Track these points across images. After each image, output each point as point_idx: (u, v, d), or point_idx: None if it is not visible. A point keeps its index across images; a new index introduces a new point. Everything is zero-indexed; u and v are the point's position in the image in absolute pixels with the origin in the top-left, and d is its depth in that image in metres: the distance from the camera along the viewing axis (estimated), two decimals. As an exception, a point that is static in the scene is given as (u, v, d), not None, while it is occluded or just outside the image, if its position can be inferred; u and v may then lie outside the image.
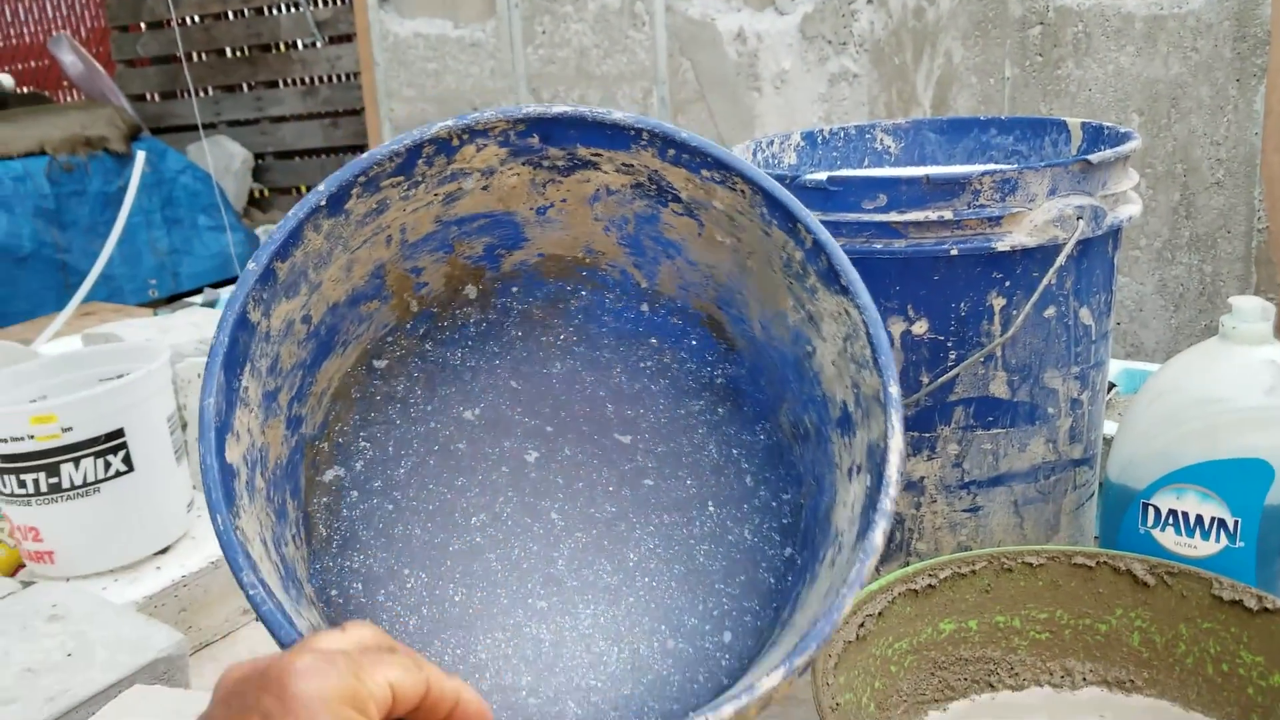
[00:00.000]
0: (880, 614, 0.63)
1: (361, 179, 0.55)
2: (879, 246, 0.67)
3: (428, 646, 0.56)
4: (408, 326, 0.64)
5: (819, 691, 0.56)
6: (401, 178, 0.57)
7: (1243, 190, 2.12)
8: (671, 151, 0.58)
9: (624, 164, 0.60)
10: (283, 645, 0.44)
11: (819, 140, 0.89)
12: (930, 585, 0.65)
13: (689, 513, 0.62)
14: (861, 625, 0.62)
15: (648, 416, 0.65)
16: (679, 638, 0.57)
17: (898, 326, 0.69)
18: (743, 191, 0.57)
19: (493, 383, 0.65)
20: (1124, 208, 0.70)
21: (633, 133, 0.58)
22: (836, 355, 0.57)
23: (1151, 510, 0.67)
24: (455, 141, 0.58)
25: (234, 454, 0.50)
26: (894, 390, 0.51)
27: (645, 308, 0.66)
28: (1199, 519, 0.66)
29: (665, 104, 2.46)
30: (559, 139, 0.60)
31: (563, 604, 0.59)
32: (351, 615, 0.56)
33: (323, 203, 0.54)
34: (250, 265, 0.52)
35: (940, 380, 0.69)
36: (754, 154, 0.84)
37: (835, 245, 0.54)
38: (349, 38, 3.36)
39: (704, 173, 0.58)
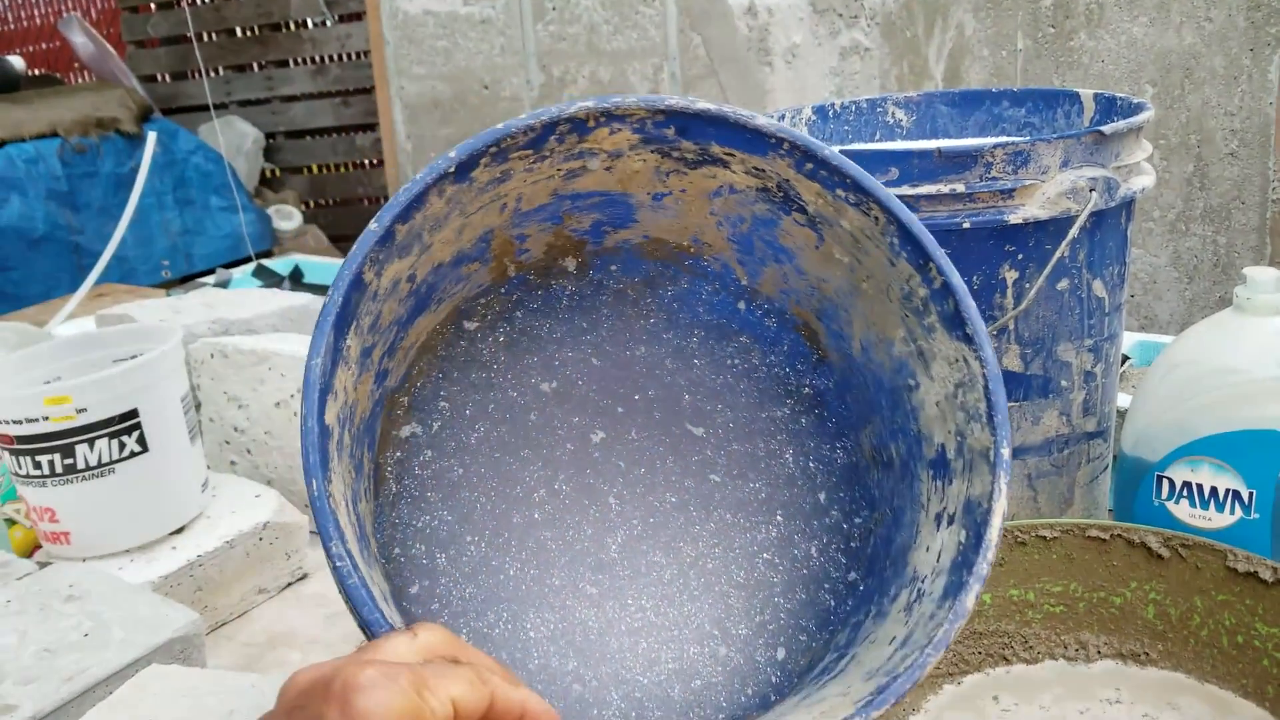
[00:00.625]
0: (893, 588, 0.63)
1: (493, 149, 0.54)
2: (890, 220, 0.67)
3: (481, 617, 0.56)
4: (501, 290, 0.63)
5: (832, 666, 0.56)
6: (530, 151, 0.57)
7: (1257, 161, 2.10)
8: (809, 166, 0.57)
9: (755, 167, 0.59)
10: (363, 623, 0.43)
11: (830, 114, 0.89)
12: (943, 559, 0.65)
13: (754, 518, 0.61)
14: (874, 600, 0.62)
15: (725, 413, 0.64)
16: (730, 645, 0.57)
17: (910, 301, 0.68)
18: (876, 218, 0.56)
19: (575, 356, 0.64)
20: (1137, 179, 0.70)
21: (773, 140, 0.56)
22: (943, 398, 0.56)
23: (1166, 482, 0.67)
24: (591, 123, 0.57)
25: (331, 415, 0.50)
26: (1006, 453, 0.50)
27: (741, 305, 0.65)
28: (1213, 491, 0.66)
29: (676, 80, 2.45)
30: (695, 134, 0.58)
31: (613, 591, 0.59)
32: (411, 576, 0.56)
33: (451, 169, 0.54)
34: (372, 226, 0.51)
35: (952, 354, 0.68)
36: (764, 128, 0.84)
37: (965, 291, 0.53)
38: (359, 16, 3.34)
39: (839, 192, 0.57)
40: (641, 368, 0.65)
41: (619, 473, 0.62)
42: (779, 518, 0.61)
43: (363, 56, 3.45)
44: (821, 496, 0.62)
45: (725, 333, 0.65)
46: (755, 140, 0.57)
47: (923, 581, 0.51)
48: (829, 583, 0.59)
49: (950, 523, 0.52)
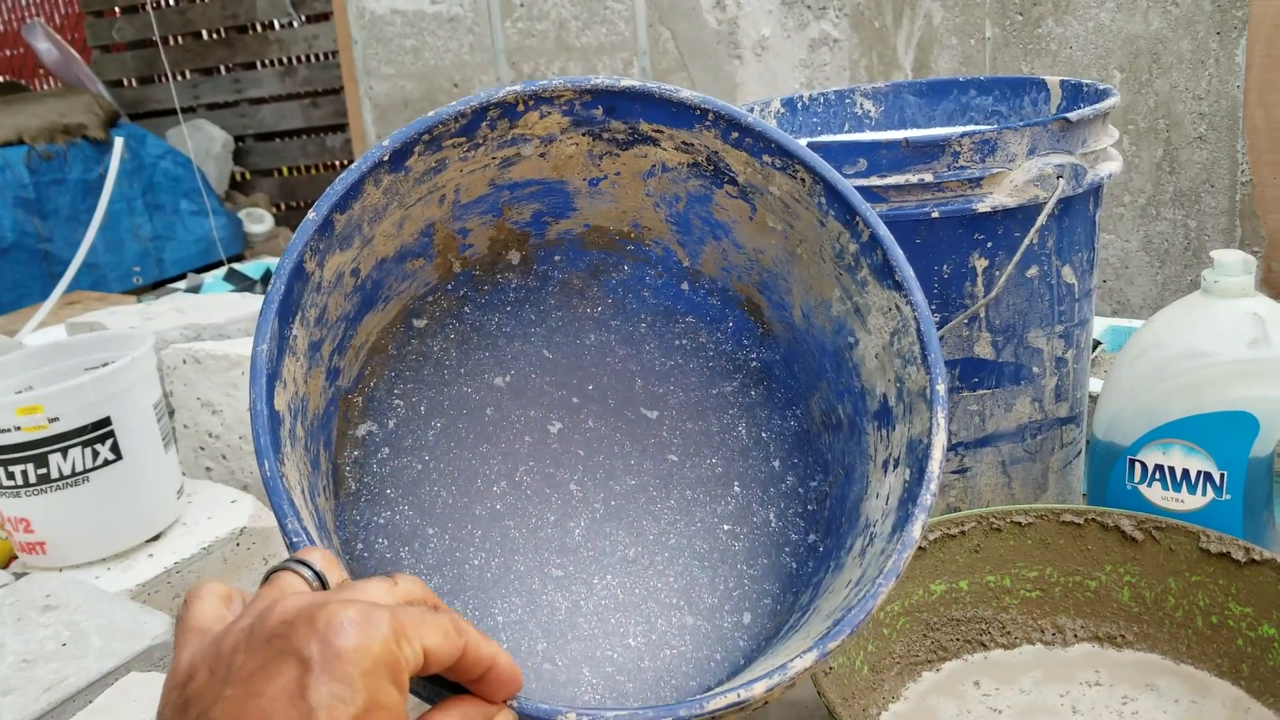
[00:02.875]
0: (871, 577, 0.64)
1: (425, 137, 0.55)
2: (861, 211, 0.67)
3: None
4: (448, 286, 0.64)
5: (812, 656, 0.56)
6: (464, 139, 0.57)
7: (1225, 144, 2.12)
8: (735, 134, 0.58)
9: (684, 143, 0.60)
10: None
11: (799, 106, 0.89)
12: (920, 547, 0.66)
13: (713, 491, 0.62)
14: (853, 589, 0.63)
15: (677, 394, 0.65)
16: (697, 615, 0.57)
17: (882, 291, 0.69)
18: (803, 180, 0.57)
19: (525, 350, 0.65)
20: (1104, 165, 0.70)
21: (698, 112, 0.58)
22: (881, 349, 0.57)
23: (1138, 466, 0.68)
24: (520, 107, 0.58)
25: (281, 401, 0.50)
26: (941, 388, 0.51)
27: (685, 286, 0.66)
28: (1185, 473, 0.66)
29: (647, 74, 2.45)
30: (623, 112, 0.59)
31: (579, 573, 0.59)
32: (375, 571, 0.56)
33: (386, 158, 0.55)
34: (310, 215, 0.52)
35: (925, 343, 0.69)
36: (734, 122, 0.84)
37: (892, 240, 0.54)
38: (326, 16, 3.32)
39: (765, 158, 0.58)
40: (592, 356, 0.66)
41: (578, 460, 0.63)
42: (736, 488, 0.62)
43: (331, 57, 3.44)
44: (776, 464, 0.63)
45: (671, 315, 0.66)
46: (681, 114, 0.59)
47: (874, 526, 0.53)
48: (789, 546, 0.60)
49: (896, 466, 0.53)
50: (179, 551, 0.79)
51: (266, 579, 0.38)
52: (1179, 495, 0.67)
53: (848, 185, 0.56)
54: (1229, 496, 0.65)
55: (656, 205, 0.64)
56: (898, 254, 0.54)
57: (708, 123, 0.59)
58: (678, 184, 0.62)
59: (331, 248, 0.55)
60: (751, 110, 0.86)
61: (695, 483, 0.62)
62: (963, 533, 0.67)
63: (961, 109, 0.89)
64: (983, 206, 0.66)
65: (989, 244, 0.68)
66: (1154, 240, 2.20)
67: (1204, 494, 0.66)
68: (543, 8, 2.47)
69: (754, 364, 0.66)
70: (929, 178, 0.65)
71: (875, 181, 0.66)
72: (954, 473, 0.73)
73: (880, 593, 0.47)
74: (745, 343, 0.66)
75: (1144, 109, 2.13)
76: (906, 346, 0.54)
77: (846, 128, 0.90)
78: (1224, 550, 0.62)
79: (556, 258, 0.66)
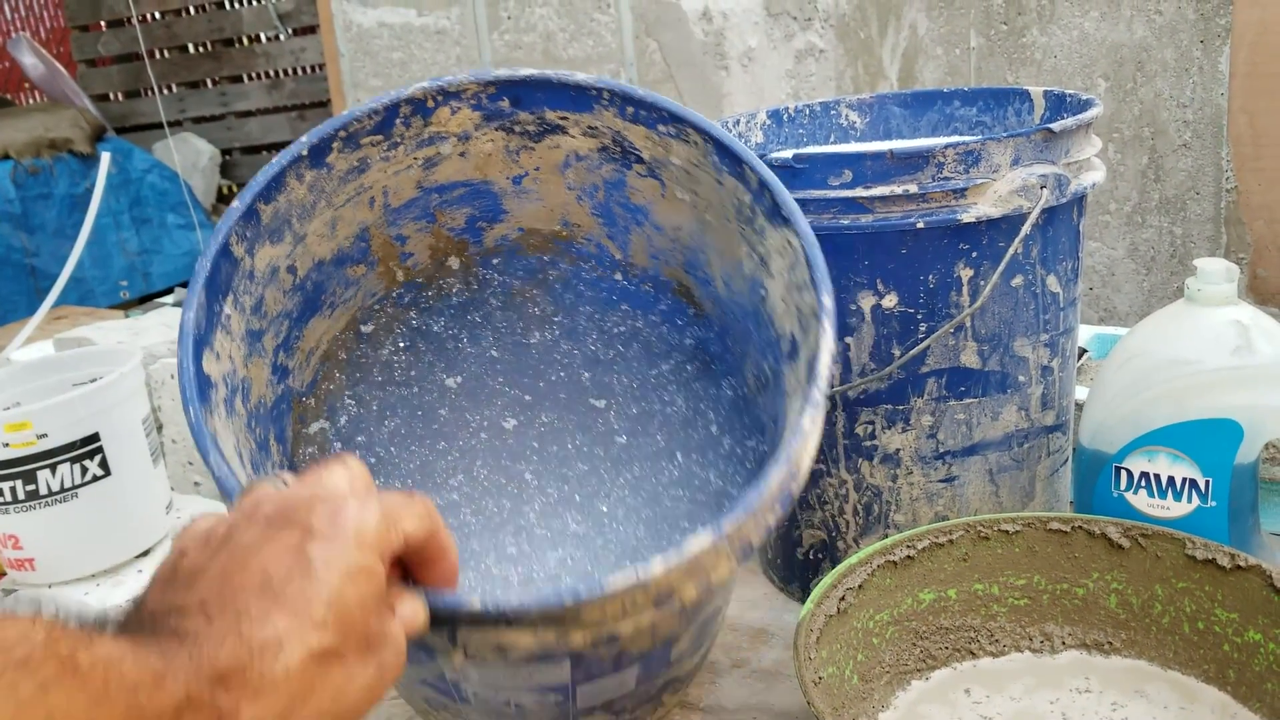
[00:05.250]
0: (860, 587, 0.64)
1: (342, 133, 0.57)
2: (846, 222, 0.67)
3: None
4: (395, 295, 0.67)
5: (801, 666, 0.57)
6: (380, 136, 0.59)
7: (1210, 151, 2.14)
8: (630, 109, 0.61)
9: (589, 126, 0.62)
10: None
11: (785, 118, 0.89)
12: (909, 556, 0.66)
13: (658, 463, 0.65)
14: (842, 599, 0.63)
15: (621, 380, 0.68)
16: None
17: (868, 300, 0.69)
18: (696, 143, 0.60)
19: (474, 352, 0.68)
20: (1087, 174, 0.71)
21: (594, 92, 0.61)
22: (784, 290, 0.59)
23: (1124, 474, 0.68)
24: (430, 103, 0.60)
25: (212, 368, 0.52)
26: (827, 301, 0.53)
27: (619, 277, 0.69)
28: (1171, 480, 0.67)
29: (634, 85, 2.46)
30: (528, 102, 0.61)
31: (532, 550, 0.61)
32: None
33: (304, 153, 0.56)
34: (234, 204, 0.55)
35: (912, 352, 0.69)
36: (720, 134, 0.84)
37: (778, 182, 0.57)
38: (312, 29, 3.32)
39: (660, 128, 0.61)
40: (539, 354, 0.69)
41: (534, 452, 0.66)
42: (679, 458, 0.65)
43: (317, 70, 3.44)
44: (714, 429, 0.66)
45: (609, 306, 0.69)
46: (579, 97, 0.62)
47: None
48: (729, 502, 0.63)
49: (801, 386, 0.55)
50: (168, 567, 0.79)
51: (246, 491, 0.40)
52: (1165, 502, 0.67)
53: (733, 139, 0.58)
54: (1214, 503, 0.66)
55: (580, 199, 0.67)
56: (783, 192, 0.57)
57: (604, 101, 0.61)
58: (593, 172, 0.65)
59: (260, 237, 0.56)
60: (738, 122, 0.86)
61: (642, 459, 0.65)
62: (951, 541, 0.67)
63: (946, 120, 0.89)
64: (967, 217, 0.66)
65: (974, 254, 0.68)
66: (1140, 248, 2.21)
67: (1189, 501, 0.66)
68: (530, 20, 2.48)
69: (689, 342, 0.69)
70: (914, 189, 0.66)
71: (861, 193, 0.66)
72: (942, 481, 0.73)
73: (770, 477, 0.46)
74: (679, 323, 0.69)
75: (1129, 117, 2.14)
76: (800, 276, 0.56)
77: (832, 139, 0.91)
78: (1210, 557, 0.63)
79: (496, 262, 0.69)
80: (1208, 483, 0.66)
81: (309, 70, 3.54)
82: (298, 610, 0.34)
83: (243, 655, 0.33)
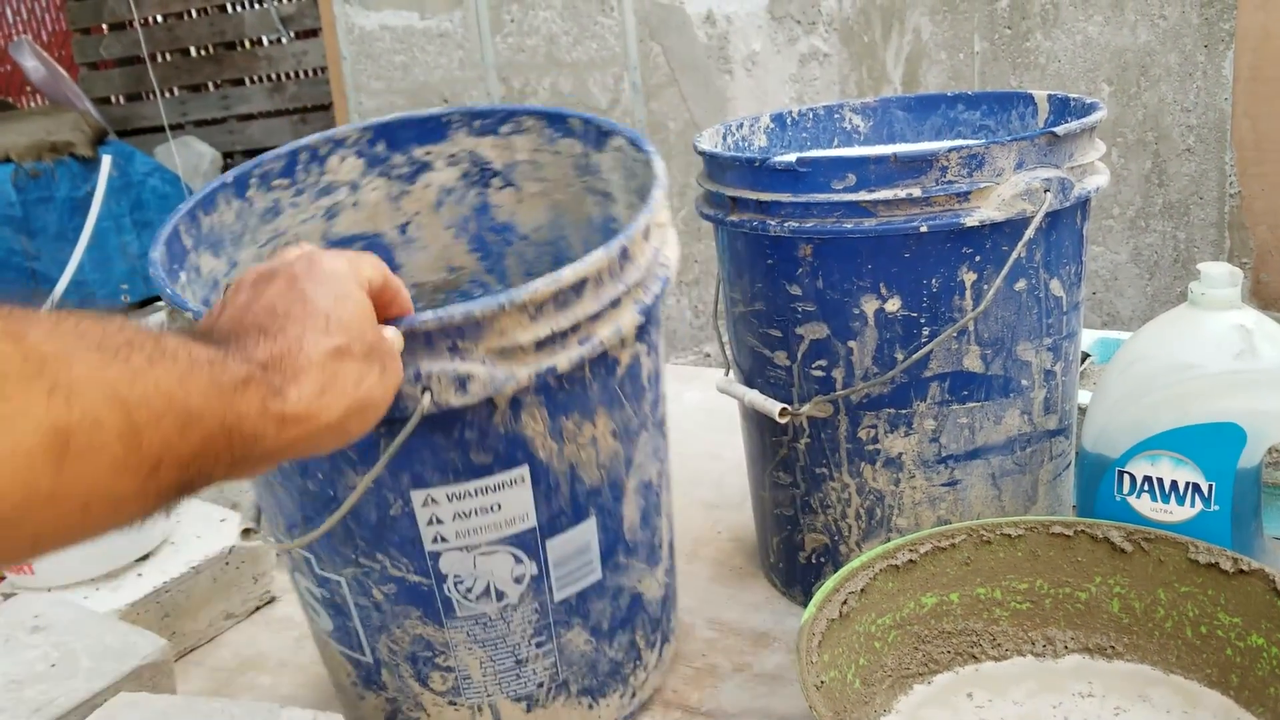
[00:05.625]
0: (863, 591, 0.64)
1: (258, 171, 0.66)
2: (850, 226, 0.67)
3: None
4: None
5: (804, 670, 0.56)
6: (288, 180, 0.67)
7: (1213, 156, 2.13)
8: (476, 123, 0.69)
9: (450, 155, 0.70)
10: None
11: (788, 122, 0.89)
12: (911, 560, 0.66)
13: None
14: (845, 603, 0.63)
15: None
16: None
17: (871, 305, 0.69)
18: (530, 127, 0.68)
19: None
20: (1091, 179, 0.70)
21: (445, 119, 0.69)
22: (627, 196, 0.65)
23: (1127, 478, 0.68)
24: (323, 150, 0.68)
25: (185, 290, 0.59)
26: (648, 150, 0.62)
27: None
28: (1174, 484, 0.66)
29: (638, 89, 2.46)
30: (398, 143, 0.70)
31: None
32: None
33: (229, 180, 0.64)
34: (180, 206, 0.62)
35: (915, 356, 0.69)
36: (724, 137, 0.84)
37: (592, 113, 0.65)
38: (315, 32, 3.33)
39: (501, 129, 0.69)
40: None
41: None
42: None
43: (320, 73, 3.44)
44: None
45: None
46: (436, 128, 0.69)
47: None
48: None
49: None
50: (168, 571, 0.79)
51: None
52: (1167, 506, 0.67)
53: (556, 108, 0.67)
54: (1217, 507, 0.66)
55: (457, 236, 0.72)
56: (603, 119, 0.65)
57: (455, 124, 0.69)
58: (461, 204, 0.70)
59: (200, 242, 0.63)
60: (741, 126, 0.86)
61: None
62: (953, 545, 0.67)
63: (949, 124, 0.89)
64: (970, 221, 0.66)
65: (977, 258, 0.68)
66: (1143, 252, 2.21)
67: (1192, 505, 0.66)
68: (533, 23, 2.48)
69: None
70: (917, 192, 0.66)
71: (864, 196, 0.66)
72: (944, 485, 0.73)
73: (639, 218, 0.56)
74: None
75: (1133, 121, 2.14)
76: (630, 159, 0.64)
77: (835, 142, 0.91)
78: (1212, 561, 0.62)
79: None
80: (1211, 487, 0.66)
81: (311, 73, 3.54)
82: (306, 324, 0.43)
83: (278, 352, 0.42)
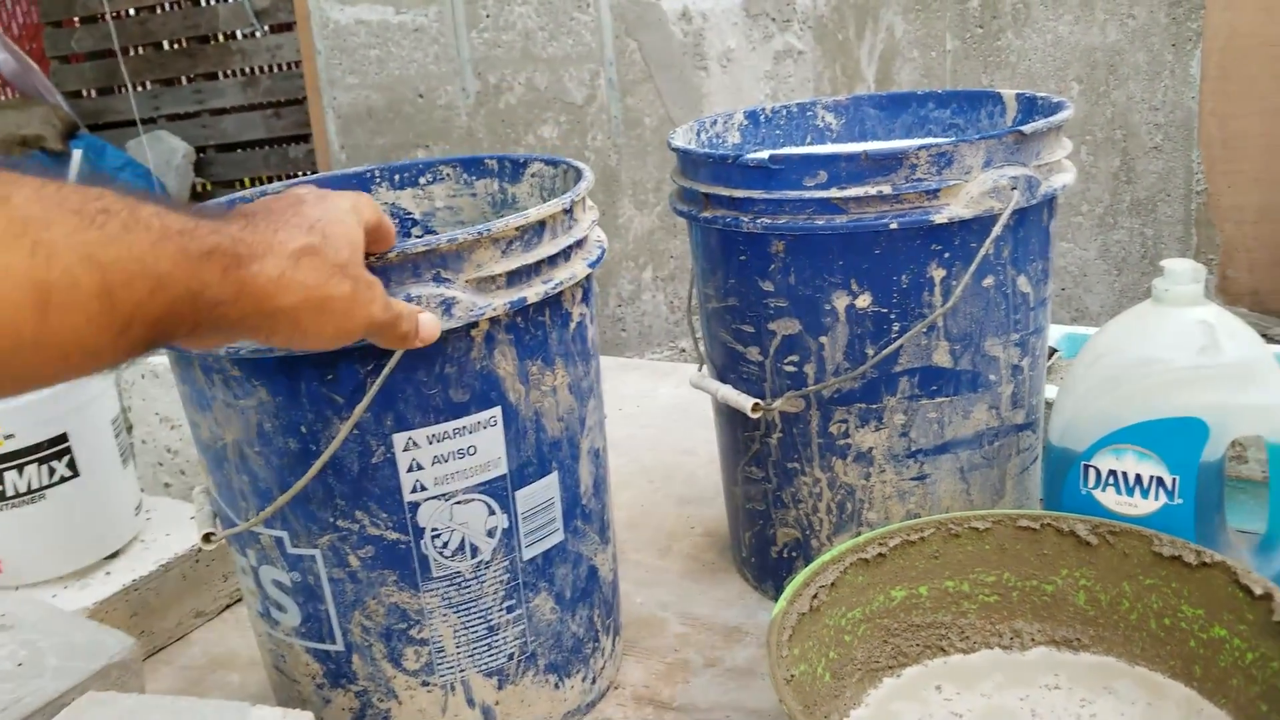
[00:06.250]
0: (833, 584, 0.64)
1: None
2: (821, 223, 0.68)
3: None
4: None
5: (774, 664, 0.57)
6: None
7: (1181, 154, 2.16)
8: (396, 177, 0.76)
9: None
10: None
11: (762, 119, 0.90)
12: (881, 554, 0.66)
13: None
14: (815, 596, 0.63)
15: None
16: None
17: (842, 300, 0.70)
18: (447, 174, 0.75)
19: None
20: (1058, 177, 0.71)
21: (368, 174, 0.76)
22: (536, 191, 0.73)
23: (1092, 471, 0.69)
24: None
25: None
26: (574, 165, 0.69)
27: None
28: (1138, 478, 0.67)
29: (613, 85, 2.46)
30: None
31: None
32: None
33: None
34: None
35: (885, 352, 0.69)
36: (698, 134, 0.84)
37: (511, 154, 0.72)
38: (289, 26, 3.30)
39: (420, 180, 0.76)
40: None
41: None
42: None
43: (294, 67, 3.41)
44: None
45: None
46: (358, 183, 0.75)
47: None
48: None
49: None
50: (137, 569, 0.79)
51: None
52: (1132, 500, 0.68)
53: (470, 155, 0.74)
54: (1181, 501, 0.67)
55: None
56: (515, 154, 0.73)
57: (377, 180, 0.76)
58: None
59: None
60: (714, 122, 0.86)
61: None
62: (922, 539, 0.67)
63: (920, 121, 0.90)
64: (940, 218, 0.67)
65: (946, 254, 0.68)
66: (1111, 249, 2.23)
67: (1156, 499, 0.67)
68: (509, 18, 2.48)
69: None
70: (888, 190, 0.66)
71: (835, 193, 0.67)
72: (914, 479, 0.73)
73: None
74: None
75: (1101, 120, 2.16)
76: (546, 180, 0.71)
77: (808, 140, 0.91)
78: (1176, 554, 0.63)
79: None
80: (1174, 480, 0.66)
81: (285, 67, 3.52)
82: (290, 222, 0.47)
83: (251, 233, 0.45)
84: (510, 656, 0.65)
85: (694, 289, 0.82)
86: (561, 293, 0.62)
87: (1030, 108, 0.81)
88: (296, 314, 0.46)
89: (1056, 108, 0.75)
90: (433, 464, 0.59)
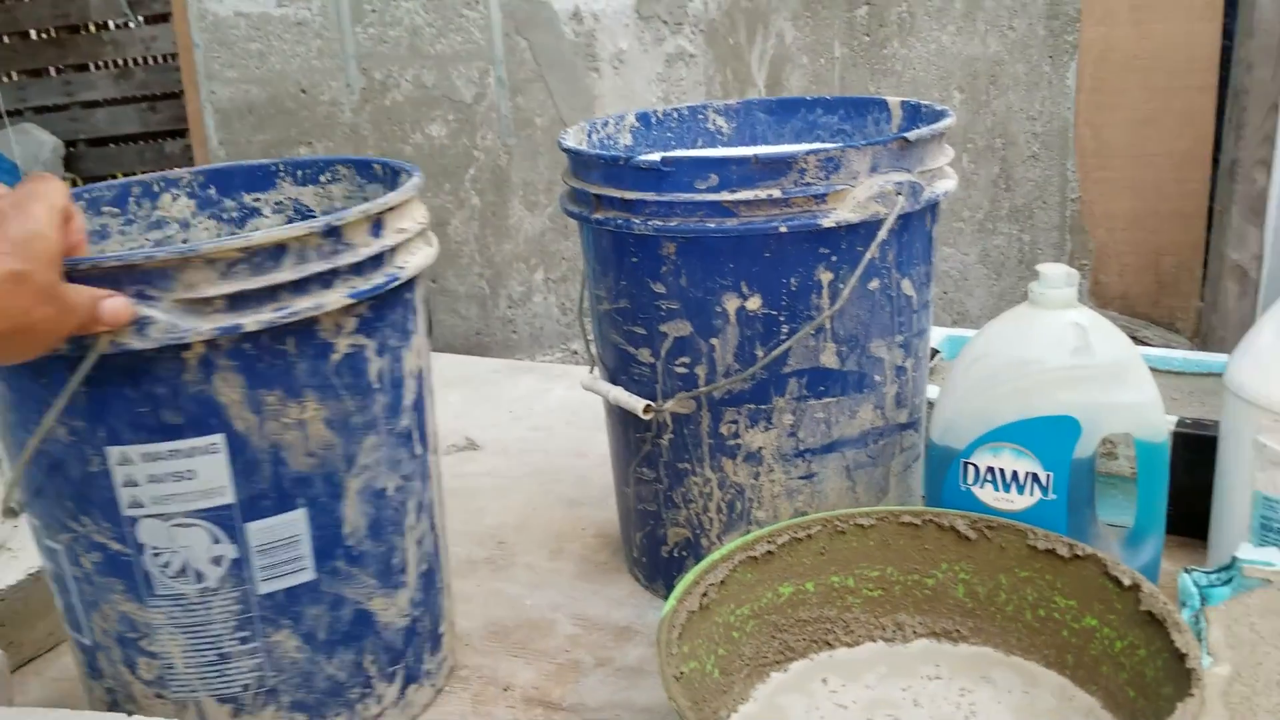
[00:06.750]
0: (723, 582, 0.65)
1: (87, 196, 0.70)
2: (712, 226, 0.68)
3: None
4: None
5: (663, 662, 0.57)
6: (117, 210, 0.72)
7: (1057, 163, 2.24)
8: (299, 173, 0.76)
9: (276, 203, 0.76)
10: None
11: (653, 121, 0.90)
12: (769, 551, 0.67)
13: None
14: (704, 594, 0.64)
15: None
16: None
17: (733, 303, 0.70)
18: (344, 175, 0.74)
19: None
20: (940, 183, 0.73)
21: (274, 168, 0.76)
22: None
23: (971, 468, 0.71)
24: (156, 188, 0.74)
25: None
26: (408, 171, 0.68)
27: None
28: (1014, 474, 0.70)
29: (503, 84, 2.44)
30: (227, 188, 0.76)
31: None
32: None
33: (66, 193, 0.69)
34: None
35: (774, 353, 0.71)
36: (589, 135, 0.84)
37: (395, 160, 0.70)
38: (165, 17, 3.20)
39: (321, 178, 0.76)
40: None
41: None
42: None
43: (170, 60, 3.31)
44: None
45: None
46: (264, 176, 0.76)
47: None
48: None
49: None
50: (5, 579, 0.75)
51: None
52: (1009, 496, 0.70)
53: (367, 157, 0.74)
54: (1054, 496, 0.69)
55: None
56: (396, 161, 0.70)
57: (282, 174, 0.76)
58: None
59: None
60: (606, 124, 0.87)
61: None
62: (809, 536, 0.69)
63: (809, 127, 0.91)
64: (827, 222, 0.68)
65: (834, 258, 0.70)
66: (991, 254, 2.30)
67: (1032, 494, 0.70)
68: (395, 14, 2.44)
69: None
70: (777, 193, 0.67)
71: (726, 197, 0.68)
72: (802, 478, 0.75)
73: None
74: None
75: (982, 128, 2.23)
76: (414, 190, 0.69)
77: (699, 143, 0.92)
78: (1050, 547, 0.66)
79: None
80: (1049, 476, 0.69)
81: (161, 60, 3.41)
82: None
83: None
84: (245, 687, 0.62)
85: (585, 291, 0.82)
86: (315, 320, 0.57)
87: (914, 115, 0.83)
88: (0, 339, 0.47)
89: (939, 115, 0.77)
90: (149, 482, 0.57)
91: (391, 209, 0.60)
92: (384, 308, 0.61)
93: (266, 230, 0.54)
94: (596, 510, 0.96)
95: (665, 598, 0.78)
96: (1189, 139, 2.12)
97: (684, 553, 0.79)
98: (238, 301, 0.54)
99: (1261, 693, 0.56)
